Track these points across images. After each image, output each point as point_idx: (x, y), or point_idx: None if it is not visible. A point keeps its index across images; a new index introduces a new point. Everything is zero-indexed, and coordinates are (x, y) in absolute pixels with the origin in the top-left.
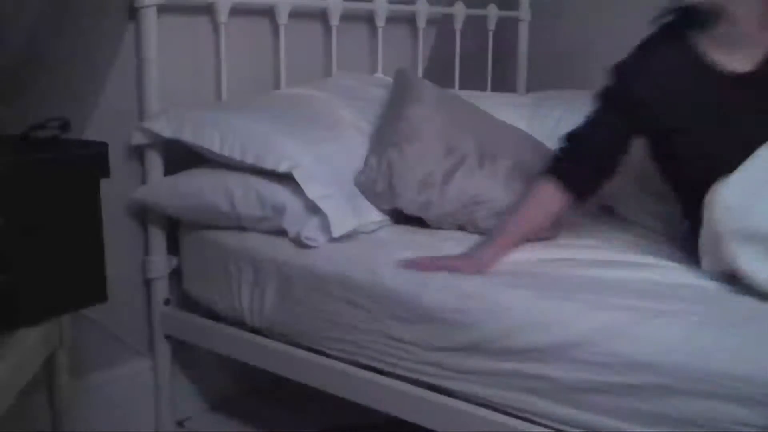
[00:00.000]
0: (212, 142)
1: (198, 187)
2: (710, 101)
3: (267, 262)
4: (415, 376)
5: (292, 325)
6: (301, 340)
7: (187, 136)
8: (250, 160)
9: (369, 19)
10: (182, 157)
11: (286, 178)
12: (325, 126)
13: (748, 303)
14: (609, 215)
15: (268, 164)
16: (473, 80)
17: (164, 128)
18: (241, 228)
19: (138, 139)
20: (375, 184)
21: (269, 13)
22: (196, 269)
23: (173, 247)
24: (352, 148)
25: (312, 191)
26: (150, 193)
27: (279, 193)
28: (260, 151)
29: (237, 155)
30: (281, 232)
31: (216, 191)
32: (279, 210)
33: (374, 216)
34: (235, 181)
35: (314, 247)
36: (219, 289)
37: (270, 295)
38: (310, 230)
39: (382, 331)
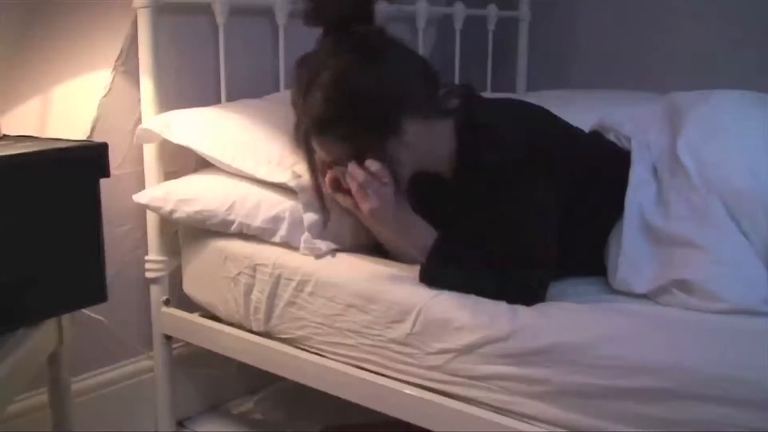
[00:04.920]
0: (209, 147)
1: (197, 194)
2: None
3: (268, 268)
4: (417, 381)
5: (293, 331)
6: (302, 345)
7: (185, 139)
8: (247, 169)
9: None
10: (182, 157)
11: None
12: None
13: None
14: None
15: (262, 174)
16: (473, 80)
17: (163, 130)
18: (242, 234)
19: (137, 139)
20: None
21: (269, 13)
22: (196, 273)
23: (173, 247)
24: None
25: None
26: (148, 198)
27: (280, 203)
28: (257, 160)
29: (235, 164)
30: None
31: (215, 199)
32: (279, 220)
33: None
34: (235, 190)
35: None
36: (220, 293)
37: (271, 301)
38: (312, 240)
39: (384, 336)
